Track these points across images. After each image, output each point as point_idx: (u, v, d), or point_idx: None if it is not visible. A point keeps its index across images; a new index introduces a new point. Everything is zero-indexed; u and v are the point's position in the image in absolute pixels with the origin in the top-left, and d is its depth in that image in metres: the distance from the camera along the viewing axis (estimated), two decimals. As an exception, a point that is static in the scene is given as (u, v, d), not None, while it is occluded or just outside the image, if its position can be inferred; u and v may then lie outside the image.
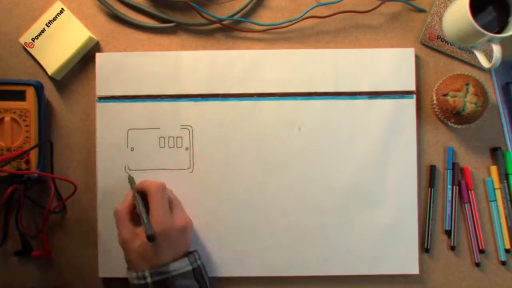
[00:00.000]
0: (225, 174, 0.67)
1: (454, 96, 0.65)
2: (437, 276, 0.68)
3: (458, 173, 0.68)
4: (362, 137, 0.67)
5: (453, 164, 0.68)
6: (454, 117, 0.66)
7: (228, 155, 0.67)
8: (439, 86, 0.67)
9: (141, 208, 0.61)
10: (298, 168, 0.67)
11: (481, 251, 0.68)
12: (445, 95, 0.66)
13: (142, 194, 0.63)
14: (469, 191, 0.68)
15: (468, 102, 0.65)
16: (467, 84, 0.65)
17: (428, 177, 0.68)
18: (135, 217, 0.62)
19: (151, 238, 0.57)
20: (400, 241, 0.67)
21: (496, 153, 0.68)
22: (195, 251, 0.63)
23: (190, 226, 0.63)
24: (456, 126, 0.67)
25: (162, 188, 0.62)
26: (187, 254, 0.61)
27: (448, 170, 0.68)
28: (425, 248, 0.68)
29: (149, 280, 0.58)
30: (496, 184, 0.68)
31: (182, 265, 0.59)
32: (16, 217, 0.66)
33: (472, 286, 0.68)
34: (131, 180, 0.66)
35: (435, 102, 0.67)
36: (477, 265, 0.68)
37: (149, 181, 0.63)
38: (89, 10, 0.69)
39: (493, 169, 0.68)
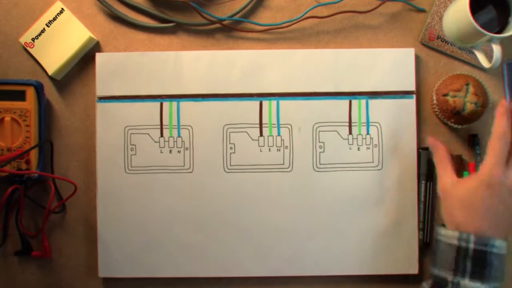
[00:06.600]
0: (225, 174, 0.67)
1: (454, 96, 0.65)
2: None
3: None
4: (362, 137, 0.67)
5: None
6: (454, 117, 0.66)
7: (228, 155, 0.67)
8: (439, 86, 0.67)
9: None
10: (298, 168, 0.67)
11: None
12: (445, 95, 0.66)
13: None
14: None
15: (468, 102, 0.65)
16: (467, 84, 0.65)
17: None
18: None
19: None
20: (400, 241, 0.67)
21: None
22: None
23: None
24: (456, 126, 0.67)
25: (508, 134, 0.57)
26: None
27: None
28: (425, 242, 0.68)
29: (471, 245, 0.55)
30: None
31: (502, 247, 0.56)
32: (16, 217, 0.66)
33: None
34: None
35: (435, 102, 0.67)
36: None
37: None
38: (89, 10, 0.69)
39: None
